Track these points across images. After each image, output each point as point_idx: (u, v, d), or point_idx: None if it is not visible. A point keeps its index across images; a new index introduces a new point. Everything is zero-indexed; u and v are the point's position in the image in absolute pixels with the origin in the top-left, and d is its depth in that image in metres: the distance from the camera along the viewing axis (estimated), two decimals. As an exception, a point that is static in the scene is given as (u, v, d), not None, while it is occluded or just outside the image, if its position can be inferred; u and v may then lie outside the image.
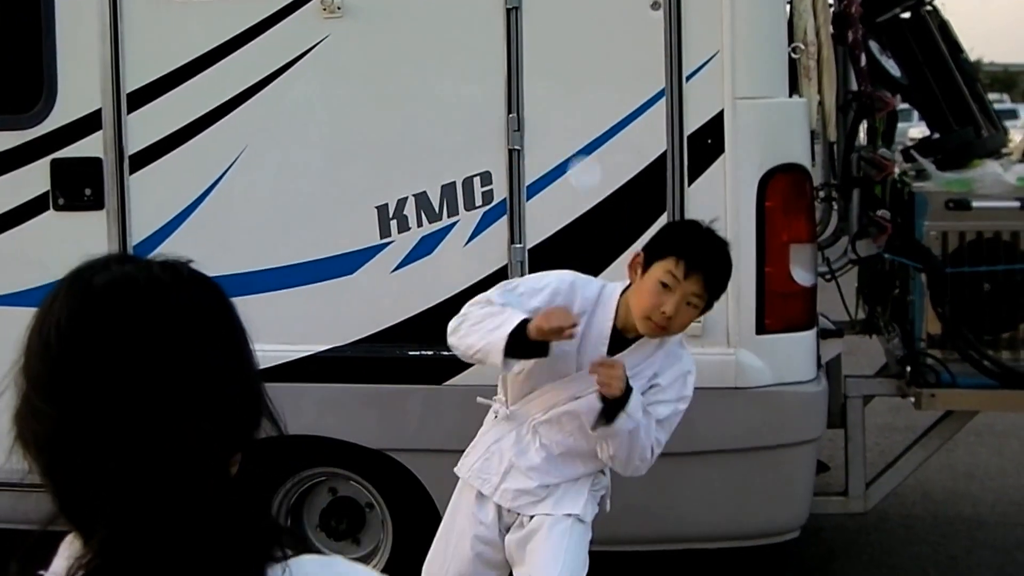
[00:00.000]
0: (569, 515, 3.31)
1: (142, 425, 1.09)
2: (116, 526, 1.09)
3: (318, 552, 1.26)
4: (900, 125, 5.23)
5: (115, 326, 1.12)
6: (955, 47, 5.09)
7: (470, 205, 4.01)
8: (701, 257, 3.16)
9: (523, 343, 3.03)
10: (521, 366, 3.16)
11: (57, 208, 4.19)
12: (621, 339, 3.26)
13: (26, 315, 1.17)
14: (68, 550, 1.15)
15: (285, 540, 1.17)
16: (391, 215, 4.05)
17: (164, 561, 1.09)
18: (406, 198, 4.04)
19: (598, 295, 3.26)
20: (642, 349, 3.27)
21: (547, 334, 3.01)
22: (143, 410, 1.10)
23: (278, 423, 1.23)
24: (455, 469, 3.43)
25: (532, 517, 3.32)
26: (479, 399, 3.46)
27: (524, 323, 3.03)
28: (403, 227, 4.05)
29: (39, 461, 1.14)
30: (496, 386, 3.44)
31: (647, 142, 3.94)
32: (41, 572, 1.16)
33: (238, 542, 1.12)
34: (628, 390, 3.10)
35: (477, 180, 4.00)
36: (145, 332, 1.12)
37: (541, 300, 3.19)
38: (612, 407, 3.10)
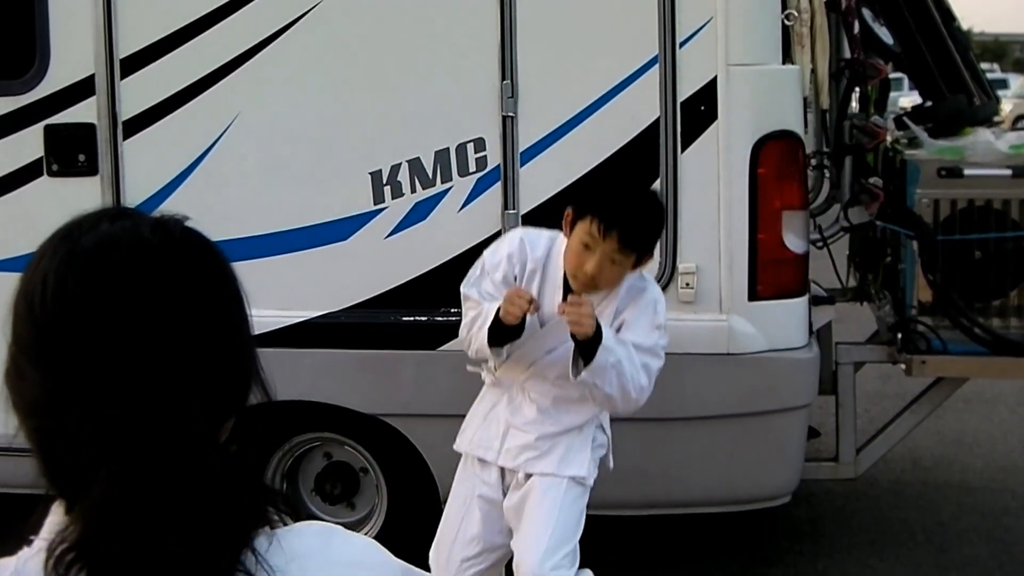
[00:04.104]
0: (568, 477, 3.34)
1: (128, 391, 1.08)
2: (101, 493, 1.06)
3: (311, 518, 1.24)
4: (891, 95, 5.22)
5: (98, 290, 1.09)
6: (947, 15, 5.08)
7: (464, 171, 4.01)
8: (616, 216, 3.19)
9: (501, 330, 3.23)
10: (509, 349, 3.32)
11: (51, 174, 4.19)
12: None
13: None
14: (55, 514, 1.13)
15: (278, 507, 1.14)
16: (385, 181, 4.06)
17: (148, 528, 1.07)
18: (400, 164, 4.05)
19: (548, 249, 3.36)
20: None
21: (515, 318, 3.18)
22: (128, 376, 1.08)
23: (268, 391, 1.20)
24: (455, 446, 3.48)
25: (531, 476, 3.35)
26: (469, 367, 3.51)
27: (498, 311, 3.21)
28: (397, 193, 4.06)
29: (26, 424, 1.12)
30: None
31: (640, 109, 3.94)
32: (32, 537, 1.14)
33: (224, 510, 1.09)
34: (598, 326, 3.14)
35: (471, 146, 4.01)
36: (129, 296, 1.09)
37: (501, 272, 3.33)
38: (588, 346, 3.15)
